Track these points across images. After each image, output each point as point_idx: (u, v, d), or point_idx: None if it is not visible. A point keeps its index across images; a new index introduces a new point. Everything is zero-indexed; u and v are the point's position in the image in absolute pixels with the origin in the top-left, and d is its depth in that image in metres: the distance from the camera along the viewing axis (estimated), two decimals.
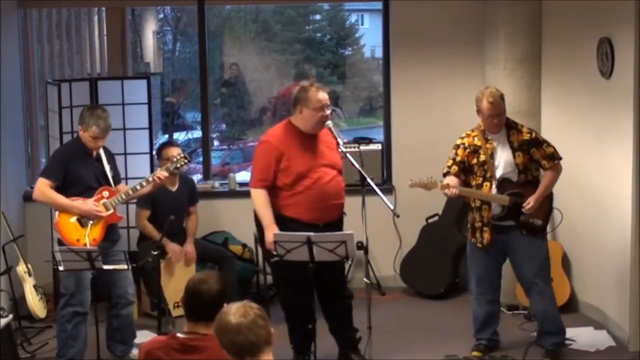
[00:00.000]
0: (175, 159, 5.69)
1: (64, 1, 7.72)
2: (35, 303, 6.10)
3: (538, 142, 5.41)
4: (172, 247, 6.45)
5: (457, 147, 5.52)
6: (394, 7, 7.25)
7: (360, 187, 5.15)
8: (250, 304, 3.02)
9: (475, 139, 5.47)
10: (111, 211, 5.42)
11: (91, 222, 5.38)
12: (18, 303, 6.37)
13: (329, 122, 5.24)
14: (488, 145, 5.42)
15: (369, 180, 5.08)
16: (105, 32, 8.09)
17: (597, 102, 6.08)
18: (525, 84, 6.35)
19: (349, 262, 5.03)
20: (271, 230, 5.12)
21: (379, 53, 8.76)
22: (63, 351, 5.47)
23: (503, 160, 5.40)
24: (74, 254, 5.09)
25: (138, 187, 5.48)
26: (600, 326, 6.14)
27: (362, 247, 5.04)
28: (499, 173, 5.40)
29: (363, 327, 5.19)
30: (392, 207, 5.16)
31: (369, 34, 12.40)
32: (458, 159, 5.49)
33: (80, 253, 5.07)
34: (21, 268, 6.20)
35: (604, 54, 5.90)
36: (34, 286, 6.18)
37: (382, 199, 5.05)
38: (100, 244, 5.39)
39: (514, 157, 5.37)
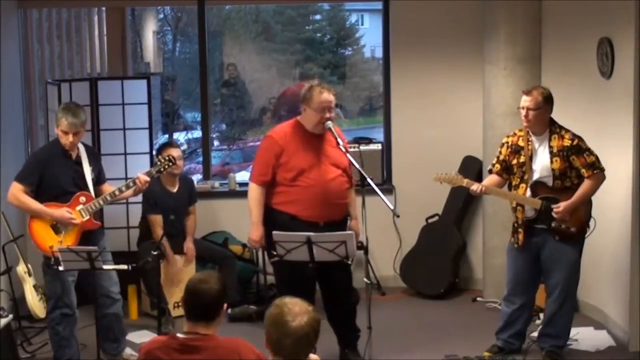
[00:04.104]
0: (158, 162, 5.53)
1: (64, 1, 7.72)
2: (35, 303, 6.10)
3: (579, 150, 5.28)
4: (174, 267, 6.46)
5: (502, 145, 5.49)
6: (394, 7, 7.25)
7: (360, 187, 5.16)
8: (312, 313, 3.06)
9: (520, 139, 5.40)
10: (87, 218, 5.27)
11: (65, 228, 5.25)
12: (18, 303, 6.37)
13: (329, 123, 5.23)
14: (529, 147, 5.36)
15: (369, 180, 5.07)
16: (105, 32, 8.10)
17: (597, 102, 6.08)
18: (525, 84, 6.32)
19: (349, 262, 5.01)
20: (257, 228, 5.26)
21: (379, 53, 8.77)
22: (59, 354, 5.43)
23: (541, 164, 5.31)
24: (73, 254, 5.07)
25: (117, 192, 5.33)
26: (600, 326, 6.14)
27: (362, 247, 5.04)
28: (535, 176, 5.32)
29: (363, 327, 5.20)
30: (392, 207, 5.16)
31: (369, 34, 12.42)
32: (501, 157, 5.46)
33: (80, 253, 5.05)
34: (21, 268, 6.20)
35: (604, 54, 5.90)
36: (34, 286, 6.17)
37: (382, 199, 5.04)
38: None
39: (551, 162, 5.28)
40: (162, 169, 5.54)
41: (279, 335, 3.02)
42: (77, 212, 5.27)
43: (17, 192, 5.24)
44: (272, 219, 5.29)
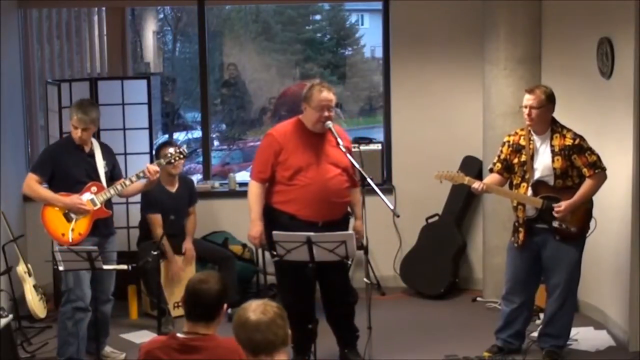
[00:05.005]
0: (169, 154, 5.74)
1: (64, 1, 7.72)
2: (35, 303, 6.10)
3: (581, 149, 5.28)
4: (174, 266, 6.46)
5: (503, 144, 5.49)
6: (394, 7, 7.25)
7: (360, 187, 5.16)
8: (270, 303, 3.07)
9: (522, 138, 5.41)
10: (98, 206, 5.43)
11: (76, 216, 5.40)
12: (18, 303, 6.37)
13: (329, 123, 5.23)
14: (531, 146, 5.36)
15: (369, 180, 5.07)
16: (105, 32, 8.11)
17: (597, 102, 6.08)
18: (525, 84, 6.32)
19: (349, 262, 5.01)
20: (255, 225, 5.26)
21: (379, 53, 8.76)
22: (63, 350, 5.48)
23: (542, 163, 5.32)
24: (74, 254, 5.09)
25: (127, 183, 5.50)
26: (600, 326, 6.14)
27: (362, 247, 5.04)
28: (536, 175, 5.33)
29: (363, 327, 5.19)
30: (392, 207, 5.15)
31: (369, 34, 12.40)
32: (502, 156, 5.46)
33: (80, 253, 5.08)
34: (21, 268, 6.19)
35: (604, 54, 5.90)
36: (34, 286, 6.17)
37: (382, 199, 5.04)
38: (90, 238, 5.40)
39: (553, 161, 5.29)
40: (172, 160, 5.77)
41: (248, 334, 3.01)
42: (87, 201, 5.42)
43: (31, 182, 5.49)
44: (273, 218, 5.30)
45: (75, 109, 5.43)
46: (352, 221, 5.50)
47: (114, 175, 5.62)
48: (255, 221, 5.29)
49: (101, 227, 5.51)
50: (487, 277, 6.91)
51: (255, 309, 3.03)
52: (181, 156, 5.80)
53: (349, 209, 5.48)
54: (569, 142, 5.30)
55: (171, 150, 5.90)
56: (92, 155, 5.52)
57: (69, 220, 5.41)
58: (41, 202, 5.50)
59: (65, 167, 5.44)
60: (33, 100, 7.65)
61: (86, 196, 5.43)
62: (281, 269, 5.34)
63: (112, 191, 5.47)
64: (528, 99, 5.31)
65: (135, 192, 5.78)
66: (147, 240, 6.46)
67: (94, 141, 5.59)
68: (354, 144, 6.93)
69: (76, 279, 5.39)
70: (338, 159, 5.27)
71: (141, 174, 5.49)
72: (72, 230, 5.39)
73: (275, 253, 4.97)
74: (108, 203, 5.55)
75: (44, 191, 5.47)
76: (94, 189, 5.45)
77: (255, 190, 5.33)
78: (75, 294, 5.42)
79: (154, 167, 5.50)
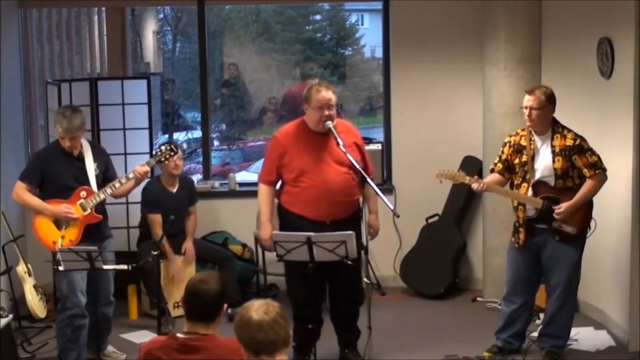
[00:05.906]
0: (158, 152, 5.59)
1: (64, 1, 7.73)
2: (35, 303, 6.09)
3: (582, 150, 5.28)
4: (174, 265, 6.46)
5: (505, 144, 5.48)
6: (394, 7, 7.25)
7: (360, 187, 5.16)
8: (272, 303, 3.08)
9: (522, 138, 5.40)
10: (88, 212, 5.36)
11: (66, 224, 5.34)
12: (18, 303, 6.37)
13: (329, 123, 5.22)
14: (532, 146, 5.36)
15: (369, 180, 5.07)
16: (105, 32, 8.11)
17: (597, 102, 6.08)
18: (525, 84, 6.33)
19: (350, 262, 5.01)
20: (265, 227, 5.28)
21: (379, 53, 8.77)
22: (64, 354, 5.45)
23: (543, 163, 5.31)
24: (74, 254, 5.08)
25: (117, 185, 5.41)
26: (600, 326, 6.14)
27: (362, 247, 5.04)
28: (537, 175, 5.32)
29: (363, 327, 5.20)
30: (392, 207, 5.15)
31: (369, 34, 12.41)
32: (503, 156, 5.46)
33: (80, 253, 5.06)
34: (21, 268, 6.19)
35: (604, 54, 5.90)
36: (34, 286, 6.17)
37: (382, 199, 5.04)
38: (84, 244, 5.30)
39: (553, 161, 5.28)
40: (162, 159, 5.60)
41: (250, 333, 3.01)
42: (77, 207, 5.35)
43: (19, 190, 5.42)
44: (283, 216, 5.35)
45: (59, 118, 5.29)
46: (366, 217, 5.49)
47: (107, 176, 5.52)
48: (265, 223, 5.31)
49: (94, 233, 5.43)
50: (487, 277, 6.91)
51: (258, 309, 3.04)
52: (171, 153, 5.56)
53: (361, 206, 5.45)
54: (569, 142, 5.30)
55: (162, 147, 5.66)
56: (81, 159, 5.42)
57: (59, 227, 5.35)
58: (30, 210, 5.47)
59: (54, 174, 5.36)
60: (33, 100, 7.65)
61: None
62: (291, 266, 5.33)
63: (102, 195, 5.37)
64: (528, 100, 5.30)
65: (126, 192, 5.64)
66: (147, 240, 6.46)
67: (85, 143, 5.46)
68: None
69: (70, 286, 5.35)
70: (344, 157, 5.24)
71: (131, 176, 5.42)
72: (63, 237, 5.32)
73: (271, 249, 4.99)
74: (100, 207, 5.46)
75: (33, 199, 5.40)
76: (83, 193, 5.35)
77: (263, 193, 5.36)
78: (70, 301, 5.37)
79: (143, 168, 5.43)
